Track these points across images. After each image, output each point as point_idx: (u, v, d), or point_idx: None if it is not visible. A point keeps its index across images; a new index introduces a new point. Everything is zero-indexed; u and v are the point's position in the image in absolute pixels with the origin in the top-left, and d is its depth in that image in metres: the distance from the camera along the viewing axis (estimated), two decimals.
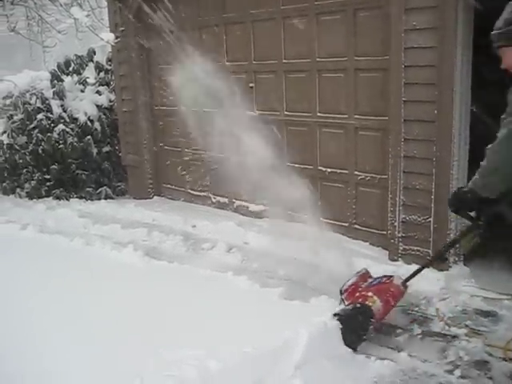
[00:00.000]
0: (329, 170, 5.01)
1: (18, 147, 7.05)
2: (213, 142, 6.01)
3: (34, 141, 6.90)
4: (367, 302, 3.21)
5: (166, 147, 6.66)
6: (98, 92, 7.27)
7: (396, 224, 4.40)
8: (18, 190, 7.19)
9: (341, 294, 3.45)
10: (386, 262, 4.45)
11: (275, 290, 3.99)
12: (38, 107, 6.94)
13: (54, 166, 6.89)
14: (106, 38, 6.34)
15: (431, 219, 4.19)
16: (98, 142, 7.05)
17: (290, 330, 3.09)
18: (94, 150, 6.96)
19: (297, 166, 5.22)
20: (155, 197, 6.88)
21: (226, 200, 6.02)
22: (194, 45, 6.01)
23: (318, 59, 4.90)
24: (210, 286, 4.08)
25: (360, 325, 3.18)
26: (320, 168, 5.08)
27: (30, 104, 7.00)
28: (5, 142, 7.20)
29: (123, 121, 6.78)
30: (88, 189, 6.99)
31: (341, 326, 3.11)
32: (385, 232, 4.58)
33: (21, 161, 7.07)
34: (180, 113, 6.32)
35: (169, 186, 6.72)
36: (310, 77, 4.99)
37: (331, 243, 4.28)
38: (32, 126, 6.90)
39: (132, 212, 6.28)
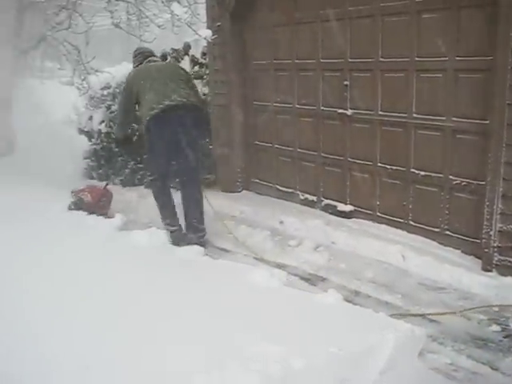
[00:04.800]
0: (422, 172, 4.87)
1: (114, 136, 7.28)
2: (304, 139, 6.04)
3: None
4: (82, 196, 5.99)
5: (258, 142, 6.71)
6: None
7: (492, 233, 4.21)
8: (113, 177, 7.48)
9: (72, 193, 6.03)
10: (479, 271, 4.27)
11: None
12: None
13: (145, 157, 7.07)
14: (203, 35, 6.46)
15: None
16: None
17: (376, 334, 3.05)
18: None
19: (388, 167, 5.15)
20: (243, 191, 6.96)
21: (314, 198, 6.00)
22: (290, 40, 6.04)
23: (416, 59, 4.76)
24: None
25: (80, 207, 5.91)
26: (413, 170, 4.95)
27: None
28: (103, 131, 7.50)
29: (216, 114, 6.89)
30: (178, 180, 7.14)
31: (72, 208, 5.94)
32: (479, 241, 4.39)
33: (117, 149, 7.30)
34: (274, 109, 6.37)
35: (257, 180, 6.78)
36: (407, 76, 4.86)
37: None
38: None
39: (220, 204, 6.36)
